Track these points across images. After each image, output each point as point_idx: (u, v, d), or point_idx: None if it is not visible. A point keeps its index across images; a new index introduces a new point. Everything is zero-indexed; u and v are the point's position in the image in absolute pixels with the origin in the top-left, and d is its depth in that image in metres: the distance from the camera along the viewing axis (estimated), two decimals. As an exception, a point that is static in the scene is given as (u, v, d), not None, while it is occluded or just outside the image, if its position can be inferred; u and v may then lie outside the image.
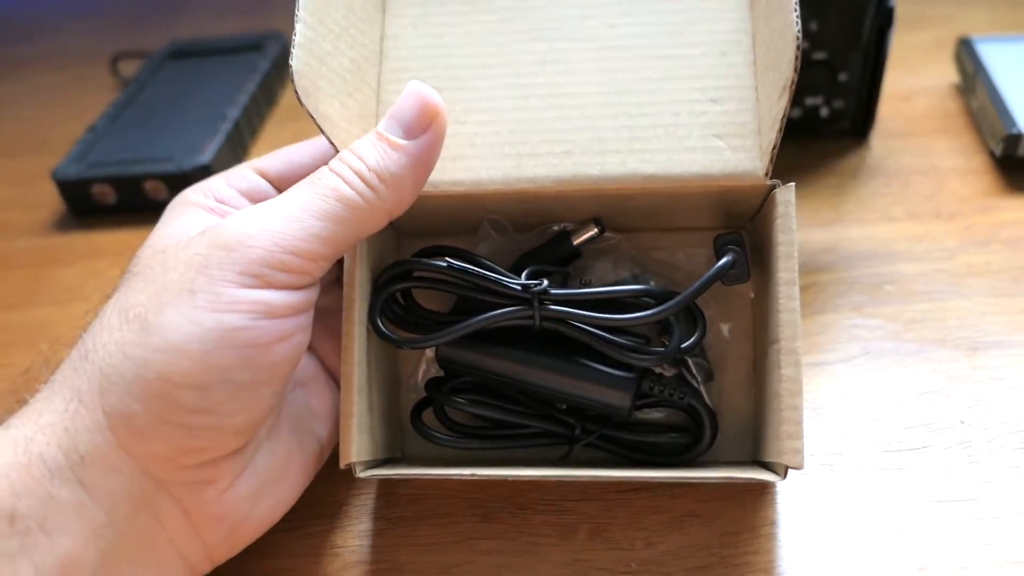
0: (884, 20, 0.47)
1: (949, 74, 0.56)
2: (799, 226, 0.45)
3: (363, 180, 0.29)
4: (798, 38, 0.29)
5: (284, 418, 0.32)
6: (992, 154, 0.49)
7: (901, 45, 0.53)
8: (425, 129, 0.30)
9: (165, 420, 0.26)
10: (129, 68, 0.70)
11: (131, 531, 0.27)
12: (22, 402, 0.28)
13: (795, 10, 0.30)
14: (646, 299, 0.33)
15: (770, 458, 0.31)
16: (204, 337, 0.26)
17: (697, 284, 0.32)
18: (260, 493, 0.30)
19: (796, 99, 0.50)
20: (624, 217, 0.36)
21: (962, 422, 0.35)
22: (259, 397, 0.28)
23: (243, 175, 0.35)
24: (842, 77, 0.49)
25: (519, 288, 0.32)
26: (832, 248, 0.45)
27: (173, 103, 0.61)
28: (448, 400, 0.34)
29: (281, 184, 0.35)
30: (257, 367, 0.27)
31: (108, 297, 0.29)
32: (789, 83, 0.30)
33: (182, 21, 0.80)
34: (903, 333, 0.40)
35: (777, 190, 0.32)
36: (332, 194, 0.29)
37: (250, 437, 0.29)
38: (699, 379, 0.35)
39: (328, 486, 0.36)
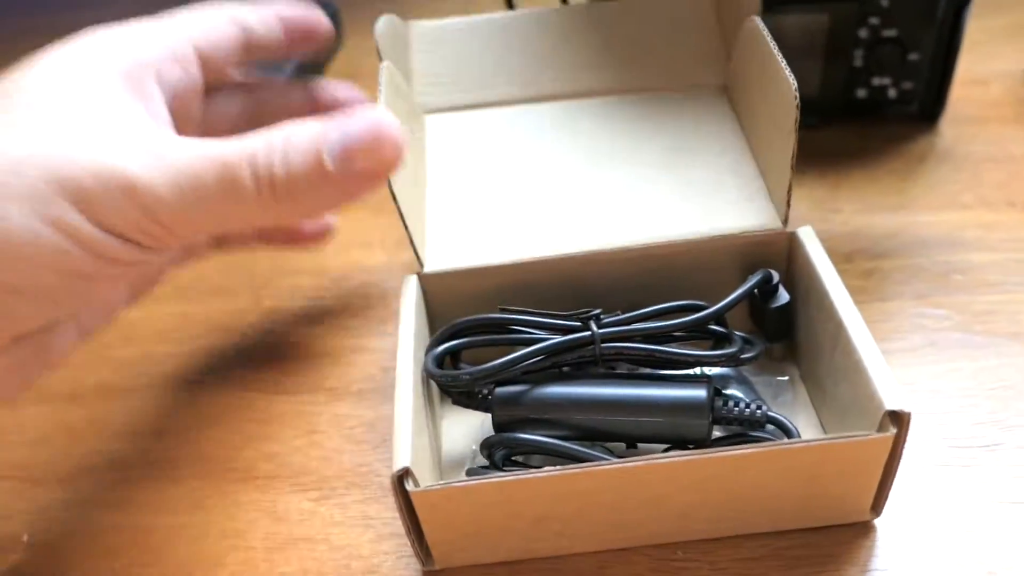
0: (961, -2, 0.45)
1: (1025, 60, 0.53)
2: (864, 208, 0.44)
3: (270, 177, 0.26)
4: (794, 87, 0.32)
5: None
6: (1071, 143, 0.46)
7: (976, 28, 0.50)
8: (368, 165, 0.26)
9: None
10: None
11: None
12: None
13: (781, 61, 0.33)
14: (689, 312, 0.32)
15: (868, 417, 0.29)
16: (40, 249, 0.25)
17: (737, 293, 0.32)
18: (15, 368, 0.29)
19: (863, 79, 0.47)
20: (659, 291, 0.36)
21: (1035, 420, 0.33)
22: (57, 311, 0.28)
23: (181, 46, 0.31)
24: (913, 57, 0.47)
25: (574, 319, 0.31)
26: (897, 234, 0.42)
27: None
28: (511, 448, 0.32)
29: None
30: (72, 295, 0.27)
31: None
32: (793, 125, 0.32)
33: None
34: (972, 325, 0.37)
35: (799, 231, 0.34)
36: (226, 173, 0.26)
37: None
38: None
39: (361, 456, 0.35)
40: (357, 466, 0.35)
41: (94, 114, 0.26)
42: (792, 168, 0.33)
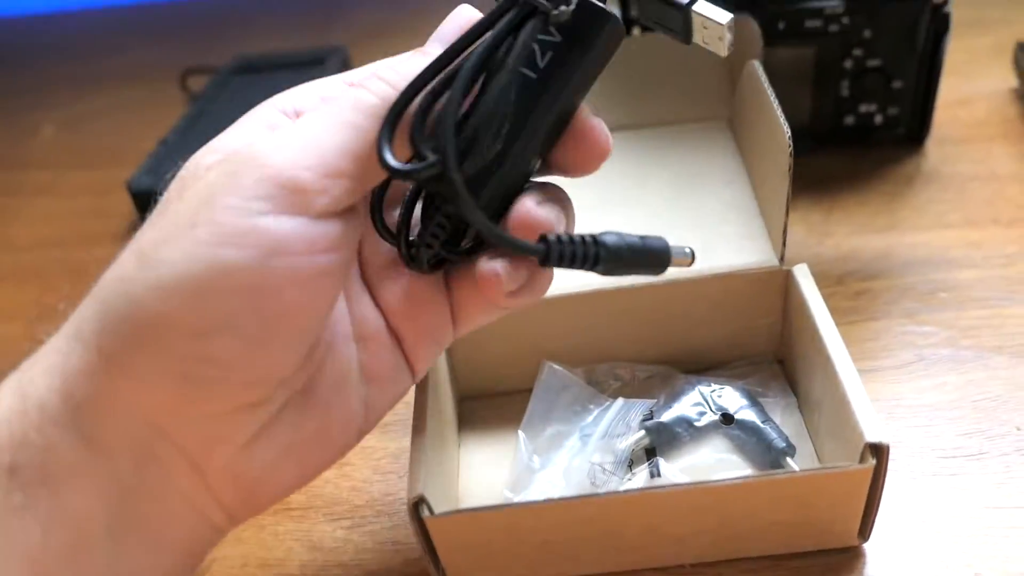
0: (940, 26, 0.47)
1: (1008, 79, 0.56)
2: (855, 231, 0.46)
3: (384, 81, 0.25)
4: (788, 135, 0.34)
5: (326, 373, 0.27)
6: (1052, 159, 0.48)
7: (958, 49, 0.53)
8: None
9: (162, 368, 0.23)
10: (197, 83, 0.73)
11: (140, 486, 0.24)
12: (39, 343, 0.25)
13: (777, 108, 0.35)
14: None
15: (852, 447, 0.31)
16: (199, 276, 0.22)
17: None
18: (283, 456, 0.26)
19: (850, 107, 0.50)
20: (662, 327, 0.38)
21: (1018, 429, 0.35)
22: (273, 352, 0.24)
23: (332, 85, 0.29)
24: (897, 84, 0.49)
25: None
26: (887, 255, 0.45)
27: (240, 115, 0.64)
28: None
29: None
30: (266, 316, 0.23)
31: None
32: (787, 170, 0.34)
33: (247, 37, 0.83)
34: (959, 340, 0.40)
35: (794, 269, 0.36)
36: (350, 103, 0.25)
37: (266, 394, 0.25)
38: (785, 445, 0.35)
39: (388, 486, 0.38)
40: (384, 495, 0.37)
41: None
42: (787, 210, 0.35)
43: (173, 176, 0.26)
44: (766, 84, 0.37)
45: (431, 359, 0.30)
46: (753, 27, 0.41)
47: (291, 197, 0.23)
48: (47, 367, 0.24)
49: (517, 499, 0.34)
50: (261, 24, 0.86)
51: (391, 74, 0.25)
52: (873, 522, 0.31)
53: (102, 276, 0.24)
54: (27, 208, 0.62)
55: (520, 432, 0.37)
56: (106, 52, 0.86)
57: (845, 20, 0.47)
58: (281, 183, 0.23)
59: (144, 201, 0.57)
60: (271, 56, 0.73)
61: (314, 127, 0.24)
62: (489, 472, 0.37)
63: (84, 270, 0.54)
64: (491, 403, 0.40)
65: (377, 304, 0.29)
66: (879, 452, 0.29)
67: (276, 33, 0.83)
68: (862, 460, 0.29)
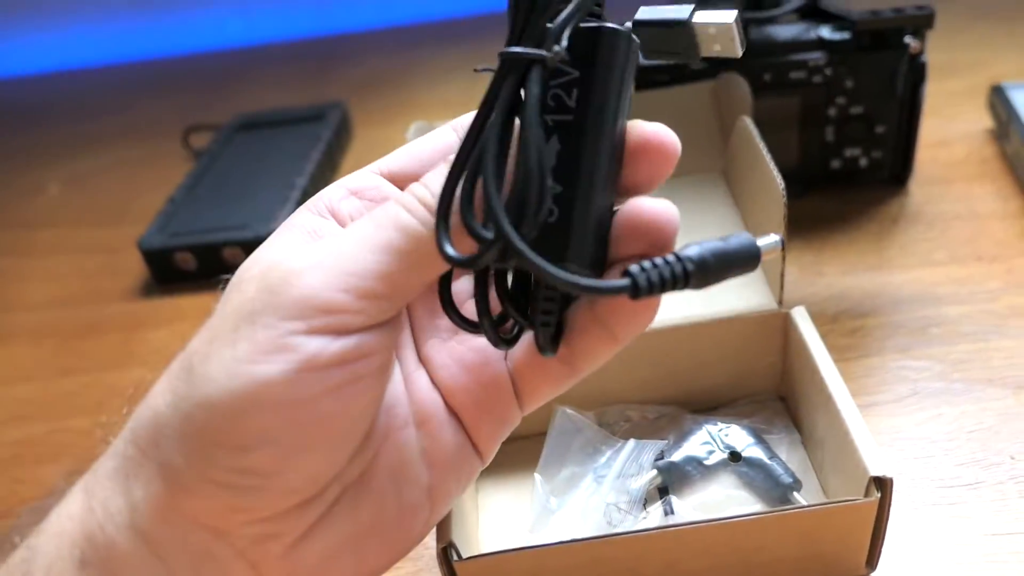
0: (917, 75, 0.50)
1: (984, 119, 0.58)
2: (846, 270, 0.48)
3: (426, 206, 0.25)
4: (782, 187, 0.36)
5: (382, 462, 0.27)
6: (1029, 197, 0.51)
7: (935, 92, 0.55)
8: None
9: (208, 478, 0.24)
10: (199, 140, 0.75)
11: None
12: (107, 442, 0.27)
13: (770, 162, 0.37)
14: None
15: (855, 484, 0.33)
16: (238, 393, 0.23)
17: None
18: (339, 549, 0.26)
19: (836, 151, 0.52)
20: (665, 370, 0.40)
21: (1012, 458, 0.37)
22: (314, 458, 0.25)
23: (363, 177, 0.29)
24: (879, 129, 0.52)
25: None
26: (877, 293, 0.47)
27: (244, 173, 0.66)
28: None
29: (406, 182, 0.28)
30: (303, 427, 0.24)
31: None
32: (783, 220, 0.37)
33: (246, 93, 0.85)
34: (950, 373, 0.41)
35: (792, 312, 0.38)
36: (390, 223, 0.25)
37: (311, 495, 0.25)
38: (792, 480, 0.36)
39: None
40: (407, 540, 0.39)
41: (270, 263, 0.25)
42: (784, 257, 0.37)
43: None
44: (758, 139, 0.39)
45: (498, 439, 0.29)
46: (742, 85, 0.43)
47: (326, 319, 0.24)
48: (110, 470, 0.25)
49: (536, 539, 0.36)
50: (259, 80, 0.88)
51: (425, 193, 0.25)
52: (880, 552, 0.33)
53: (159, 382, 0.25)
54: (39, 267, 0.64)
55: (536, 475, 0.38)
56: (106, 110, 0.88)
57: (828, 71, 0.49)
58: (316, 305, 0.23)
59: (155, 260, 0.58)
60: (271, 113, 0.75)
61: (351, 247, 0.24)
62: (506, 515, 0.38)
63: (99, 328, 0.56)
64: (504, 447, 0.41)
65: (434, 383, 0.28)
66: (883, 485, 0.31)
67: (274, 88, 0.86)
68: (867, 493, 0.31)
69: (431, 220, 0.24)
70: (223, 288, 0.26)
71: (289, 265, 0.24)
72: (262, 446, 0.24)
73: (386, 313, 0.25)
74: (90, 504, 0.25)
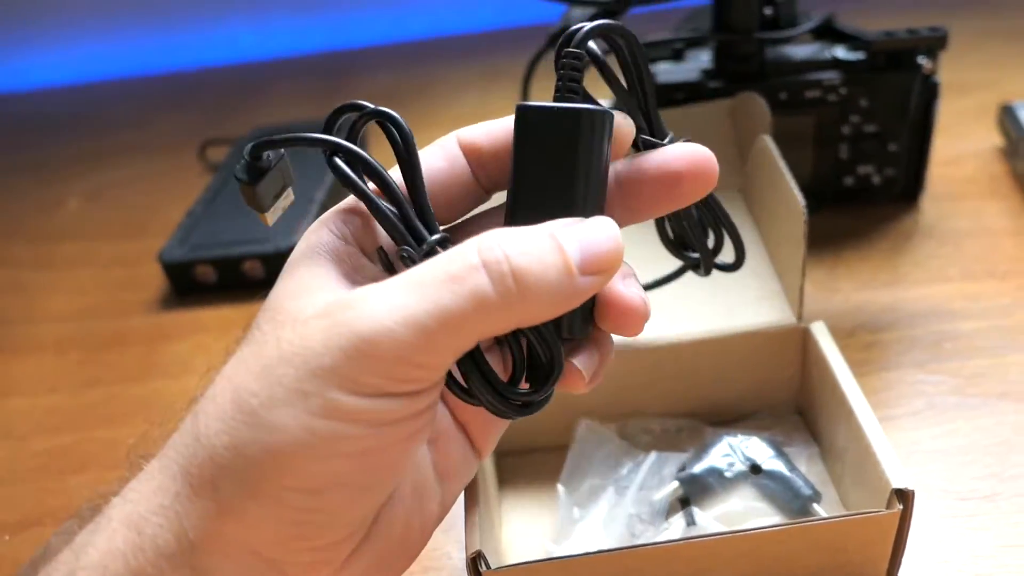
0: (929, 94, 0.51)
1: (994, 138, 0.59)
2: (860, 286, 0.49)
3: (509, 272, 0.24)
4: (803, 204, 0.37)
5: (407, 483, 0.29)
6: (1040, 214, 0.52)
7: (946, 112, 0.56)
8: (598, 272, 0.25)
9: (275, 516, 0.25)
10: (216, 154, 0.76)
11: None
12: (137, 466, 0.27)
13: (791, 179, 0.38)
14: None
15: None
16: (316, 444, 0.24)
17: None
18: (375, 566, 0.28)
19: (849, 169, 0.53)
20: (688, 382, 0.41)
21: (1028, 471, 0.38)
22: (375, 494, 0.27)
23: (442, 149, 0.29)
24: (892, 147, 0.52)
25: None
26: (892, 308, 0.47)
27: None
28: None
29: (481, 157, 0.29)
30: (374, 471, 0.26)
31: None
32: (803, 238, 0.37)
33: (261, 107, 0.87)
34: (965, 388, 0.42)
35: (811, 326, 0.39)
36: (468, 293, 0.24)
37: (365, 524, 0.27)
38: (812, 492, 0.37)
39: (433, 541, 0.39)
40: (431, 550, 0.39)
41: (312, 301, 0.26)
42: (803, 273, 0.38)
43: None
44: (778, 157, 0.40)
45: (497, 438, 0.32)
46: (761, 104, 0.44)
47: (400, 386, 0.25)
48: (157, 507, 0.26)
49: (560, 550, 0.36)
50: (275, 94, 0.89)
51: (507, 266, 0.25)
52: (900, 564, 0.33)
53: (201, 419, 0.26)
54: (61, 280, 0.64)
55: (560, 486, 0.39)
56: (124, 124, 0.89)
57: (843, 91, 0.50)
58: (390, 369, 0.24)
59: (176, 272, 0.59)
60: (286, 127, 0.76)
61: (422, 315, 0.24)
62: (529, 525, 0.39)
63: (122, 340, 0.57)
64: (527, 459, 0.42)
65: (443, 398, 0.30)
66: (905, 497, 0.31)
67: (289, 102, 0.87)
68: (889, 505, 0.32)
69: (515, 295, 0.24)
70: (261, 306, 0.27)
71: (360, 330, 0.24)
72: (334, 489, 0.25)
73: (447, 369, 0.26)
74: (140, 543, 0.25)
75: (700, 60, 0.52)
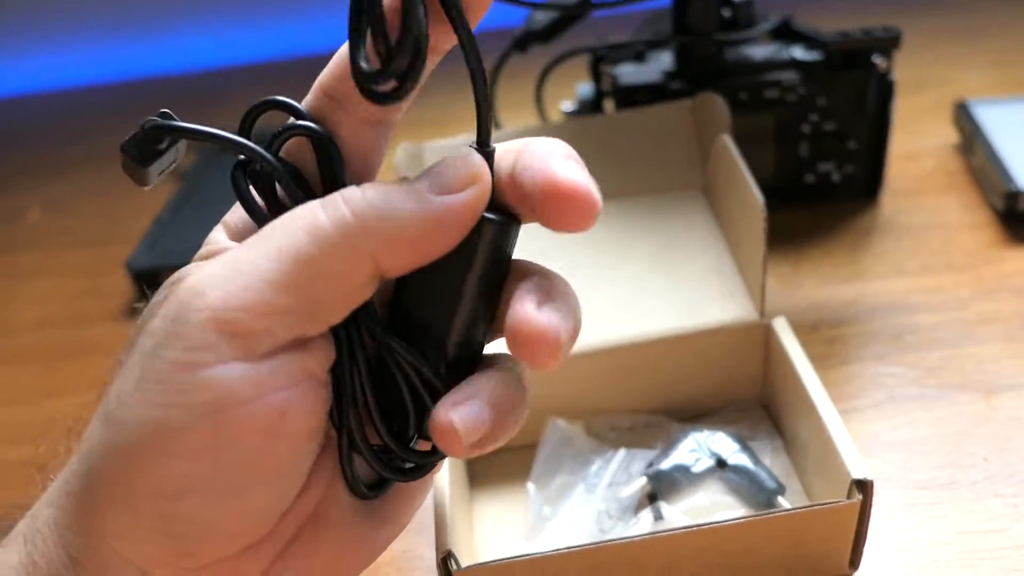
0: (885, 92, 0.52)
1: (950, 134, 0.60)
2: (822, 281, 0.50)
3: (342, 200, 0.22)
4: (762, 203, 0.38)
5: (340, 493, 0.26)
6: (995, 209, 0.53)
7: (903, 108, 0.57)
8: (460, 189, 0.23)
9: (140, 526, 0.23)
10: (180, 162, 0.75)
11: None
12: (46, 487, 0.25)
13: (750, 178, 0.39)
14: None
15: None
16: (152, 441, 0.22)
17: None
18: None
19: (810, 166, 0.54)
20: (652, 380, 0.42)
21: (985, 459, 0.39)
22: (252, 500, 0.23)
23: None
24: (851, 144, 0.53)
25: None
26: (853, 302, 0.48)
27: (230, 193, 0.66)
28: None
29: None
30: (230, 470, 0.22)
31: None
32: (763, 234, 0.38)
33: (229, 112, 0.86)
34: (924, 379, 0.43)
35: (773, 322, 0.40)
36: (300, 225, 0.22)
37: (262, 534, 0.24)
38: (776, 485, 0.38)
39: (407, 542, 0.40)
40: (403, 551, 0.39)
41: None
42: (765, 270, 0.39)
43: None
44: (738, 156, 0.41)
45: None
46: (721, 104, 0.45)
47: (230, 343, 0.21)
48: (48, 519, 0.24)
49: (531, 547, 0.36)
50: (242, 99, 0.89)
51: (350, 192, 0.23)
52: (862, 552, 0.34)
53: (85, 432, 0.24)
54: (23, 290, 0.64)
55: (530, 484, 0.39)
56: (86, 133, 0.87)
57: (801, 90, 0.51)
58: (217, 328, 0.21)
59: (145, 280, 0.59)
60: (258, 132, 0.75)
61: (252, 258, 0.22)
62: (500, 524, 0.39)
63: (84, 350, 0.56)
64: (498, 459, 0.42)
65: None
66: (864, 487, 0.32)
67: (245, 110, 0.86)
68: (849, 496, 0.32)
69: (340, 215, 0.22)
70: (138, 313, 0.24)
71: (187, 285, 0.22)
72: (186, 494, 0.22)
73: (296, 330, 0.22)
74: (33, 558, 0.24)
75: (662, 62, 0.53)
